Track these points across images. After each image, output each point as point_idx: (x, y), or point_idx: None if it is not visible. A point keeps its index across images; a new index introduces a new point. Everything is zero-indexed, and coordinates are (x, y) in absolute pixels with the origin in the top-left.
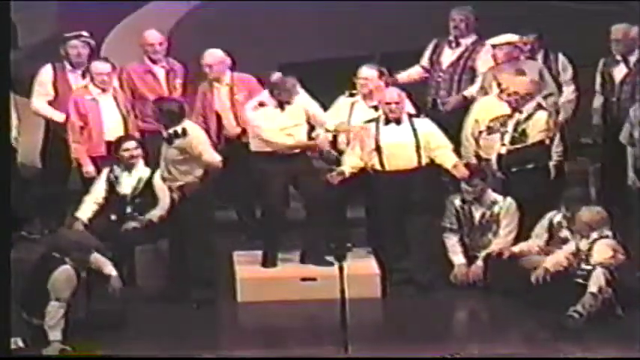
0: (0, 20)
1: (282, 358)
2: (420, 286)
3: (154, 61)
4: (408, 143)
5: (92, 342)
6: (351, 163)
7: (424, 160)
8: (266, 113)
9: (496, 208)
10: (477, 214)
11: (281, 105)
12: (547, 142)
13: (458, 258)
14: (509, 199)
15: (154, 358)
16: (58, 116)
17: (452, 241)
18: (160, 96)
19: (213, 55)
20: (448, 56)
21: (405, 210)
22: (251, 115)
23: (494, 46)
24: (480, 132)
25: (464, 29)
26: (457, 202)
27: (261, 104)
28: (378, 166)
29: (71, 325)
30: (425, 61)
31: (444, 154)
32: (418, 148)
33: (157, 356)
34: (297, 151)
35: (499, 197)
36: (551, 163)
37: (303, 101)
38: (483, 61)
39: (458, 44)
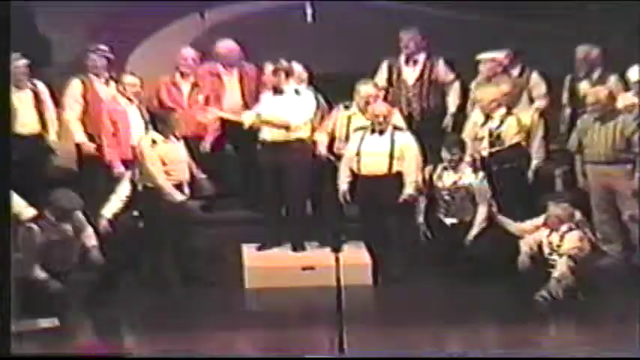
0: (0, 20)
1: (283, 358)
2: (396, 278)
3: (183, 75)
4: (383, 152)
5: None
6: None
7: (395, 169)
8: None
9: (468, 179)
10: (447, 178)
11: None
12: (523, 143)
13: (423, 226)
14: (481, 174)
15: (155, 358)
16: (80, 136)
17: (422, 205)
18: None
19: (226, 45)
20: (410, 74)
21: (376, 210)
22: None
23: (479, 61)
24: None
25: (413, 48)
26: (430, 168)
27: None
28: (355, 170)
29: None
30: (383, 80)
31: (408, 167)
32: (392, 158)
33: (160, 355)
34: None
35: (472, 173)
36: (532, 165)
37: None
38: (443, 74)
39: (415, 62)
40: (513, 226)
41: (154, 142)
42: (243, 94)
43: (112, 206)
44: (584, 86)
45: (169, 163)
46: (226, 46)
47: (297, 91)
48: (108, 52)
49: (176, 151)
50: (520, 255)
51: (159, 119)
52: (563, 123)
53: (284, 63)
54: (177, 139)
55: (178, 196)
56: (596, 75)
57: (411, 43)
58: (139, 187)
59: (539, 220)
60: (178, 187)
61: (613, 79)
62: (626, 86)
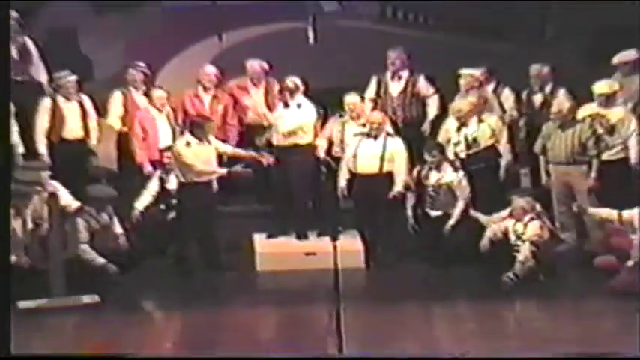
0: (0, 20)
1: (284, 358)
2: (385, 262)
3: (205, 88)
4: (376, 155)
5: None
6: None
7: (386, 169)
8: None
9: (449, 177)
10: (431, 177)
11: None
12: (497, 145)
13: (411, 218)
14: (461, 173)
15: (155, 358)
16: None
17: (410, 200)
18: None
19: (256, 63)
20: (395, 87)
21: (369, 204)
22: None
23: (459, 75)
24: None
25: (399, 65)
26: (418, 168)
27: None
28: (352, 170)
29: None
30: (372, 93)
31: (398, 168)
32: (383, 160)
33: (160, 355)
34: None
35: (453, 172)
36: (502, 166)
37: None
38: (424, 88)
39: (400, 77)
40: (484, 218)
41: (187, 144)
42: (267, 105)
43: (143, 200)
44: (537, 98)
45: (201, 162)
46: (256, 63)
47: (299, 105)
48: (144, 67)
49: (207, 152)
50: (483, 239)
51: (196, 125)
52: (522, 131)
53: (289, 81)
54: (209, 142)
55: (219, 170)
56: (547, 89)
57: (397, 60)
58: (175, 184)
59: (505, 212)
60: (207, 183)
61: (562, 92)
62: (574, 98)
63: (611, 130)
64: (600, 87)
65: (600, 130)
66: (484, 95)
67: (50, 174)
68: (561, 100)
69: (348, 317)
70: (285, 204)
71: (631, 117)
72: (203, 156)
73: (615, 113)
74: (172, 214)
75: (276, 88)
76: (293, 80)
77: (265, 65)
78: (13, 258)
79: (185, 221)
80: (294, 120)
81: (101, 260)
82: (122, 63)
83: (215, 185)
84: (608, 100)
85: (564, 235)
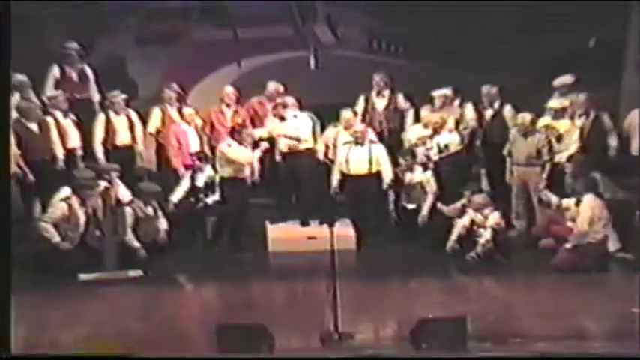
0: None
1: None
2: (372, 245)
3: (227, 105)
4: (364, 159)
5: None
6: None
7: (372, 170)
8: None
9: (424, 175)
10: (407, 177)
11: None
12: (463, 152)
13: (392, 210)
14: (429, 173)
15: (155, 358)
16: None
17: (392, 196)
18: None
19: (274, 85)
20: (381, 103)
21: (359, 198)
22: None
23: (433, 96)
24: (415, 145)
25: (383, 85)
26: (397, 170)
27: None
28: (345, 171)
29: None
30: (361, 108)
31: (386, 168)
32: (370, 162)
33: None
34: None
35: (423, 172)
36: (465, 167)
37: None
38: (403, 103)
39: (383, 95)
40: (445, 209)
41: (229, 145)
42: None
43: (177, 195)
44: (488, 112)
45: (238, 161)
46: (274, 85)
47: (295, 116)
48: (177, 88)
49: (244, 153)
50: (454, 231)
51: (236, 132)
52: (479, 139)
53: (279, 99)
54: (246, 146)
55: (250, 154)
56: (496, 105)
57: (381, 82)
58: (202, 182)
59: (459, 204)
60: (242, 179)
61: (508, 108)
62: (517, 112)
63: (559, 138)
64: (553, 103)
65: (552, 139)
66: (453, 110)
67: (108, 173)
68: (507, 114)
69: (342, 289)
70: (292, 198)
71: (575, 129)
72: (240, 157)
73: (563, 125)
74: (200, 205)
75: (269, 106)
76: (284, 99)
77: (281, 88)
78: (73, 240)
79: (221, 210)
80: (295, 128)
81: (137, 244)
82: (160, 84)
83: (249, 181)
84: (557, 114)
85: (518, 223)
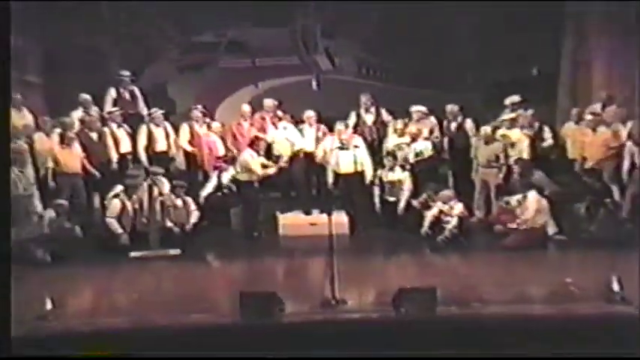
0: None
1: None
2: (362, 230)
3: (245, 119)
4: (350, 161)
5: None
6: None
7: (357, 170)
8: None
9: (402, 175)
10: (389, 176)
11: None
12: (435, 156)
13: (377, 202)
14: (406, 173)
15: (155, 358)
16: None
17: (377, 191)
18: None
19: (270, 101)
20: (369, 118)
21: (350, 192)
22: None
23: (411, 112)
24: (393, 150)
25: (370, 103)
26: (379, 172)
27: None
28: (337, 171)
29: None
30: (353, 122)
31: (367, 167)
32: (355, 163)
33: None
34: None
35: (401, 172)
36: (438, 169)
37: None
38: (386, 117)
39: (370, 112)
40: (415, 202)
41: (252, 156)
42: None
43: (207, 190)
44: (453, 125)
45: (258, 166)
46: (271, 101)
47: (285, 128)
48: (202, 108)
49: (261, 165)
50: (425, 218)
51: (255, 144)
52: (446, 145)
53: (272, 113)
54: (261, 154)
55: (269, 171)
56: (459, 119)
57: (368, 101)
58: (227, 179)
59: (421, 198)
60: (252, 182)
61: (469, 122)
62: (476, 124)
63: (512, 145)
64: (504, 116)
65: (507, 146)
66: (427, 123)
67: (152, 173)
68: (468, 127)
69: (339, 265)
70: (297, 192)
71: (524, 138)
72: (259, 166)
73: (515, 134)
74: (225, 199)
75: (268, 117)
76: (278, 115)
77: (276, 102)
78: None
79: (239, 204)
80: (288, 136)
81: (176, 228)
82: (193, 103)
83: (256, 184)
84: (510, 125)
85: (477, 212)
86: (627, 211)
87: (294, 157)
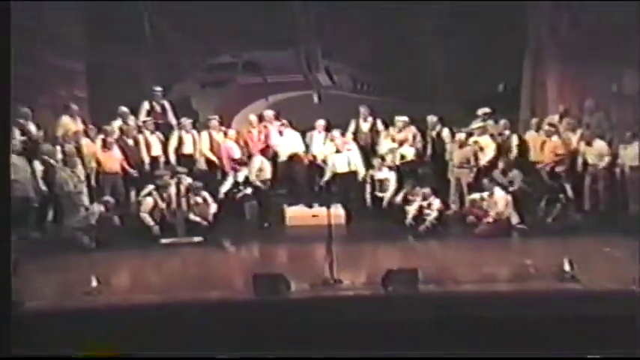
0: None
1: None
2: (356, 221)
3: (254, 127)
4: (344, 162)
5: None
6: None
7: (352, 169)
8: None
9: (389, 174)
10: (378, 175)
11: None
12: (417, 159)
13: (368, 198)
14: (392, 173)
15: (159, 358)
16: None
17: (369, 188)
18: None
19: (270, 112)
20: (365, 127)
21: (346, 189)
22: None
23: (396, 121)
24: (384, 154)
25: (366, 114)
26: (370, 172)
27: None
28: (334, 171)
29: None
30: (352, 129)
31: (360, 168)
32: (348, 164)
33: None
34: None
35: (388, 172)
36: (419, 170)
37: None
38: (379, 125)
39: (367, 120)
40: (398, 198)
41: (262, 162)
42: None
43: (225, 187)
44: (432, 133)
45: (268, 171)
46: (270, 112)
47: (281, 133)
48: (218, 118)
49: (270, 166)
50: (408, 212)
51: (265, 151)
52: (427, 150)
53: (271, 122)
54: (269, 158)
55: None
56: (437, 128)
57: (365, 112)
58: (242, 178)
59: (401, 194)
60: (265, 182)
61: (445, 130)
62: (452, 133)
63: (482, 150)
64: (476, 124)
65: (477, 151)
66: (411, 131)
67: (178, 173)
68: (445, 135)
69: (337, 251)
70: (301, 189)
71: (492, 144)
72: (269, 169)
73: (484, 141)
74: (240, 195)
75: (270, 125)
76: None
77: (274, 113)
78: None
79: (252, 199)
80: (288, 142)
81: (198, 219)
82: (214, 114)
83: (267, 182)
84: (480, 133)
85: (453, 206)
86: (588, 205)
87: (297, 159)
